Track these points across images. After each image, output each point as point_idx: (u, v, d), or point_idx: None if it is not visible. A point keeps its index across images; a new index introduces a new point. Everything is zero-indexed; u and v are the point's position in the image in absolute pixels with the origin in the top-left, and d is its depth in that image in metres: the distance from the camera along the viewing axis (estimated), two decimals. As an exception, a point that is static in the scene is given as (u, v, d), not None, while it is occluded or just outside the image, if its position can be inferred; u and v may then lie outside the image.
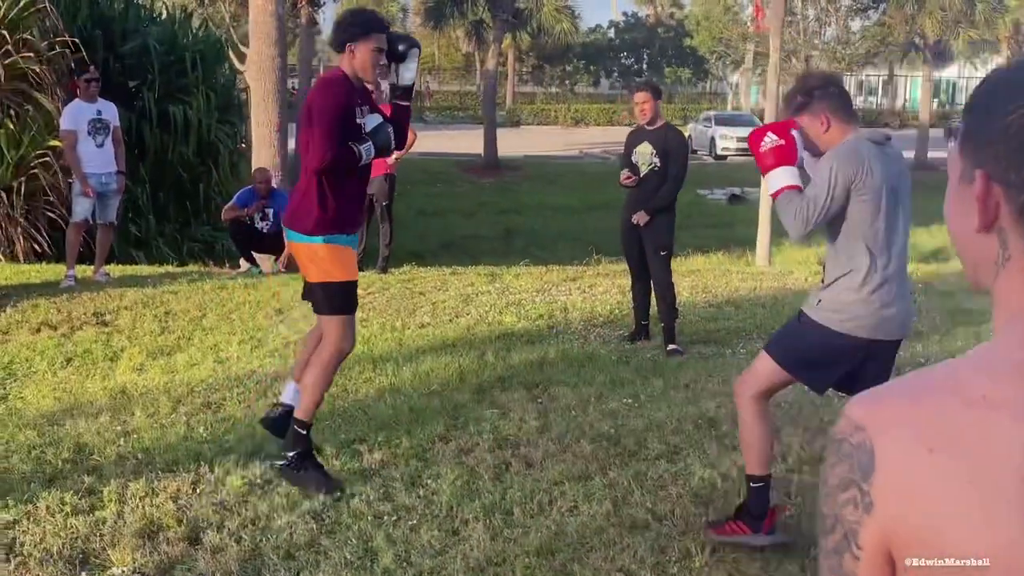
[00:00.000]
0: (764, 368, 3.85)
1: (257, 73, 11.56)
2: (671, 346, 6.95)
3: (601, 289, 9.34)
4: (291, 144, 9.79)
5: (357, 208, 4.60)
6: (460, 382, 6.11)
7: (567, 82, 42.01)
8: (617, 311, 8.25)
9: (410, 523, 4.11)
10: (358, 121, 4.36)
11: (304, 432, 4.43)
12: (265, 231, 10.77)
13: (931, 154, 33.12)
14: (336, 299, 4.40)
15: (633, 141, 7.15)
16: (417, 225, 21.19)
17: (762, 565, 3.75)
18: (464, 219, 23.97)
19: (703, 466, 4.70)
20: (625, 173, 7.07)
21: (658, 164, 6.91)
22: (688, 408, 5.56)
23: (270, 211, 10.68)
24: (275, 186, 11.20)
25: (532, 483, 4.51)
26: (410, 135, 9.95)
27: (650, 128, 7.02)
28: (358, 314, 7.81)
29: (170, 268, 10.97)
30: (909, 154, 32.50)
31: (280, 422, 4.63)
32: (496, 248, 20.65)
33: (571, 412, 5.51)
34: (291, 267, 10.64)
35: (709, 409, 5.54)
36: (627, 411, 5.53)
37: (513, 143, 34.83)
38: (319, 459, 4.58)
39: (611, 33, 36.19)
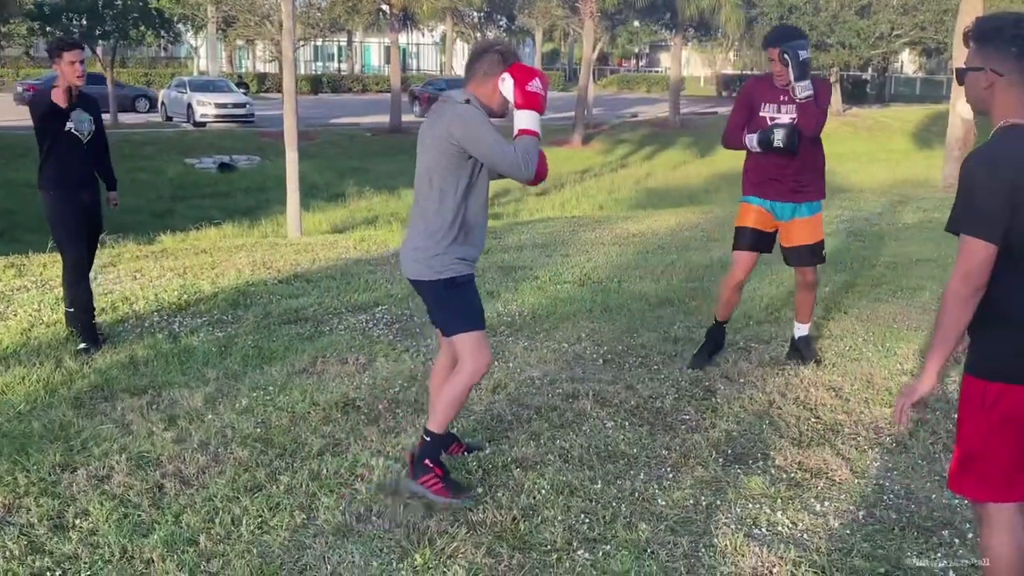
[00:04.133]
0: None
1: None
2: (83, 344, 6.19)
3: (155, 273, 8.59)
4: None
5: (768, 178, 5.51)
6: (50, 397, 5.25)
7: (22, 44, 37.79)
8: (186, 296, 7.62)
9: (82, 577, 3.44)
10: (761, 114, 5.39)
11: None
12: None
13: (404, 118, 34.69)
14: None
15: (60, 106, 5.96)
16: None
17: (488, 549, 3.67)
18: (-82, 202, 20.72)
19: (372, 455, 4.49)
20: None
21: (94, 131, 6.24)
22: (325, 394, 5.28)
23: None
24: None
25: (203, 504, 4.00)
26: None
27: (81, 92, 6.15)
28: None
29: None
30: (384, 118, 33.99)
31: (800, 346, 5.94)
32: (-30, 235, 18.16)
33: (203, 416, 4.97)
34: None
35: (347, 392, 5.31)
36: (263, 407, 5.12)
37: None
38: None
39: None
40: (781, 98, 5.34)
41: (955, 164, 18.14)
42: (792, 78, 5.14)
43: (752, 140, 5.39)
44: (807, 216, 5.58)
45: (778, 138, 5.27)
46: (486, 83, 3.89)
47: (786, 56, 5.11)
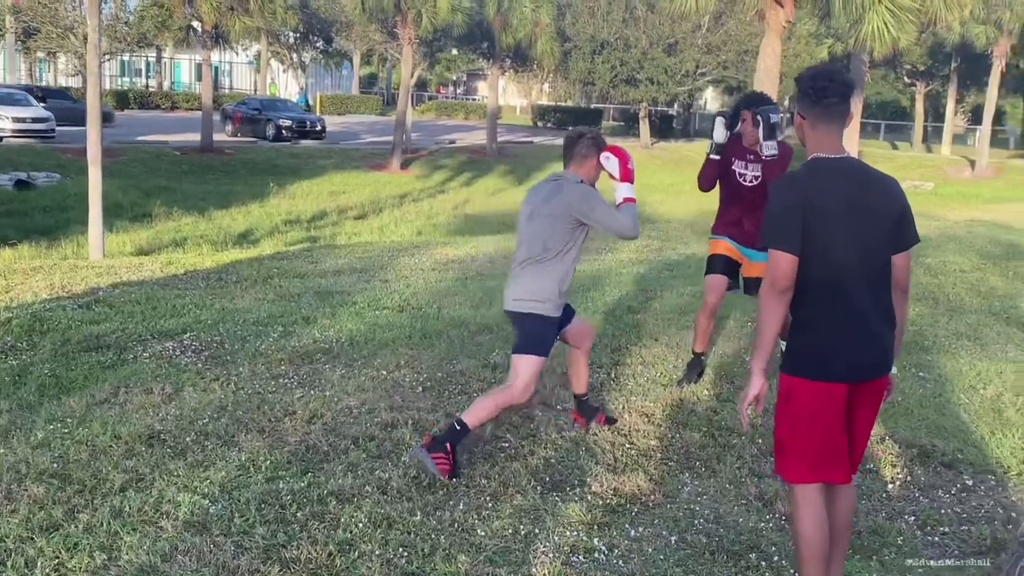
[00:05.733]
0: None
1: None
2: None
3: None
4: None
5: (738, 223, 6.08)
6: None
7: None
8: (-26, 321, 7.12)
9: None
10: (733, 168, 5.97)
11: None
12: None
13: (216, 137, 33.73)
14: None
15: None
16: None
17: (302, 586, 3.55)
18: None
19: (178, 490, 4.28)
20: None
21: None
22: (128, 426, 5.02)
23: None
24: None
25: (-9, 546, 3.71)
26: None
27: None
28: None
29: None
30: (195, 137, 32.94)
31: None
32: None
33: (-8, 450, 4.63)
34: None
35: (151, 424, 5.06)
36: (60, 440, 4.81)
37: None
38: None
39: None
40: (748, 156, 5.91)
41: (756, 197, 19.06)
42: (761, 137, 5.62)
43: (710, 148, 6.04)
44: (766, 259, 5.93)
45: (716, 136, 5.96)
46: (585, 164, 4.82)
47: (759, 118, 5.62)
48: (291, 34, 56.13)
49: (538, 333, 4.77)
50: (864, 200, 3.25)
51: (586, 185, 4.77)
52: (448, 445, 4.52)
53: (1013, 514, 4.44)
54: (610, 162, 4.78)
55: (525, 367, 4.71)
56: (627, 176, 4.79)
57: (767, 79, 18.75)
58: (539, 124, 57.31)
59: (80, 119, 31.72)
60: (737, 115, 5.92)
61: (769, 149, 5.66)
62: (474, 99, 69.19)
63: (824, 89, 3.26)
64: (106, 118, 38.20)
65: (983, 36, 39.30)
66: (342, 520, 4.07)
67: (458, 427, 4.58)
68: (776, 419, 3.39)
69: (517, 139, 45.68)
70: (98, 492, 4.25)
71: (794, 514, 3.35)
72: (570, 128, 5.35)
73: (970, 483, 4.80)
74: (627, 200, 4.78)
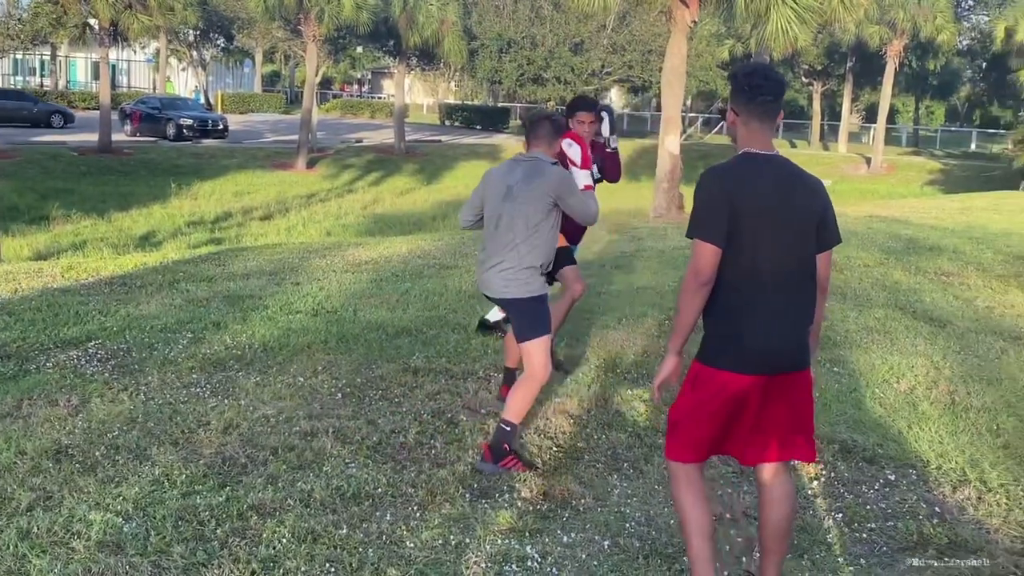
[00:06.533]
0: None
1: None
2: None
3: None
4: None
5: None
6: None
7: None
8: None
9: None
10: (568, 157, 5.86)
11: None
12: None
13: (115, 137, 32.80)
14: None
15: None
16: None
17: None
18: None
19: (90, 508, 4.08)
20: None
21: None
22: (33, 441, 4.77)
23: None
24: None
25: None
26: None
27: None
28: None
29: None
30: (92, 137, 32.00)
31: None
32: None
33: None
34: None
35: (58, 438, 4.82)
36: (-41, 458, 4.55)
37: None
38: None
39: None
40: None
41: (664, 196, 19.26)
42: (606, 132, 6.18)
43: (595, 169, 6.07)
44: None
45: (612, 142, 6.25)
46: (553, 146, 4.95)
47: (603, 115, 6.12)
48: (191, 32, 54.96)
49: (536, 313, 4.88)
50: (789, 198, 3.28)
51: (563, 169, 4.89)
52: (506, 446, 4.70)
53: (937, 508, 4.50)
54: (573, 149, 5.02)
55: (535, 350, 4.84)
56: (587, 163, 4.99)
57: (674, 78, 18.95)
58: (447, 123, 57.17)
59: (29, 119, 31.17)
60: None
61: (614, 142, 6.28)
62: (380, 97, 68.68)
63: (759, 87, 3.28)
64: (67, 119, 37.84)
65: (877, 36, 40.50)
66: (264, 536, 3.92)
67: (507, 428, 4.73)
68: (677, 399, 3.42)
69: (425, 138, 45.50)
70: (3, 512, 4.03)
71: (674, 492, 3.46)
72: (529, 111, 5.75)
73: (892, 478, 4.86)
74: (588, 188, 4.98)
